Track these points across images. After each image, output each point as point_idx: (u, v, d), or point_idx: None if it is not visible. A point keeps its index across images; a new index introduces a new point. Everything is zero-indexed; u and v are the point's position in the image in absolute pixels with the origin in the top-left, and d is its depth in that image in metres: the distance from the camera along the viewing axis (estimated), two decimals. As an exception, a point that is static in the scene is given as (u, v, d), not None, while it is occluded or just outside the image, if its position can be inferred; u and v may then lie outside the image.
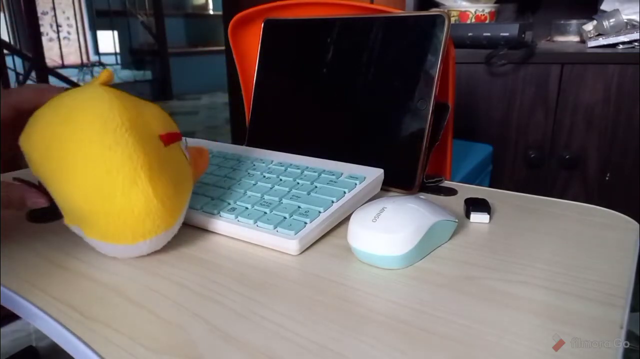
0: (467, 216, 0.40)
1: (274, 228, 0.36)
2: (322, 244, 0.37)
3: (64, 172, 0.31)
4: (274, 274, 0.33)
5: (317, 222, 0.37)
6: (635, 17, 1.14)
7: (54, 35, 4.72)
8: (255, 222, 0.37)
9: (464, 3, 1.25)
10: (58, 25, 4.77)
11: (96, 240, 0.33)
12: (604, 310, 0.28)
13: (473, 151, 1.04)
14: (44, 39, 4.27)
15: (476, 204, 0.41)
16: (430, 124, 0.45)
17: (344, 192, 0.40)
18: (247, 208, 0.39)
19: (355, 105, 0.50)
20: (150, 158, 0.31)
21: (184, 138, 0.37)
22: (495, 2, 1.27)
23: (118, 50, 4.95)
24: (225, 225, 0.38)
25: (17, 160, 0.36)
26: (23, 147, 0.33)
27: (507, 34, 1.08)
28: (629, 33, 1.08)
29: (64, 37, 4.90)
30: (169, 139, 0.34)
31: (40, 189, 0.35)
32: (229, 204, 0.40)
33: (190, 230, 0.40)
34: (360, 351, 0.25)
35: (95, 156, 0.30)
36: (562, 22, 1.29)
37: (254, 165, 0.47)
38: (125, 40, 4.85)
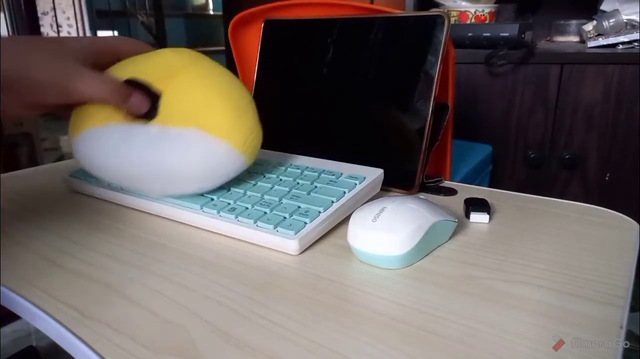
0: (467, 216, 0.40)
1: (274, 228, 0.36)
2: (322, 244, 0.37)
3: (195, 80, 0.39)
4: (274, 274, 0.33)
5: (317, 222, 0.37)
6: (635, 17, 1.14)
7: (54, 35, 4.72)
8: (255, 222, 0.37)
9: (464, 3, 1.25)
10: (58, 26, 4.77)
11: (214, 134, 0.38)
12: (604, 310, 0.28)
13: (473, 151, 1.04)
14: (44, 39, 4.27)
15: (476, 204, 0.41)
16: (430, 124, 0.45)
17: (344, 192, 0.40)
18: (247, 208, 0.39)
19: (355, 105, 0.50)
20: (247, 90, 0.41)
21: None
22: (495, 2, 1.27)
23: (118, 50, 4.94)
24: (225, 225, 0.38)
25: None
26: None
27: (507, 34, 1.08)
28: (628, 33, 1.08)
29: (64, 38, 4.90)
30: None
31: (146, 90, 0.40)
32: (229, 204, 0.40)
33: (190, 230, 0.40)
34: (360, 351, 0.25)
35: (233, 82, 0.40)
36: (562, 22, 1.29)
37: (254, 165, 0.47)
38: (125, 41, 4.84)
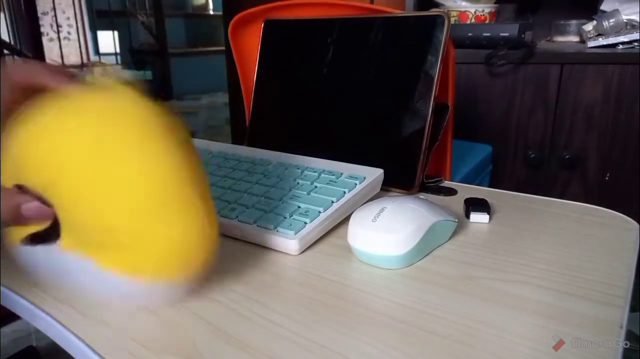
0: (467, 216, 0.40)
1: (274, 228, 0.36)
2: (322, 244, 0.37)
3: (90, 185, 0.24)
4: (274, 274, 0.33)
5: (317, 222, 0.37)
6: (635, 17, 1.14)
7: (54, 36, 4.72)
8: (255, 222, 0.37)
9: (464, 3, 1.25)
10: (58, 26, 4.77)
11: (115, 272, 0.25)
12: (604, 310, 0.28)
13: (473, 151, 1.04)
14: (44, 39, 4.28)
15: (476, 204, 0.41)
16: (430, 124, 0.45)
17: (344, 192, 0.40)
18: (247, 208, 0.39)
19: (355, 105, 0.50)
20: (202, 171, 0.27)
21: None
22: (495, 2, 1.27)
23: (118, 50, 4.95)
24: (225, 225, 0.38)
25: None
26: (7, 144, 0.25)
27: (507, 34, 1.08)
28: (628, 33, 1.08)
29: (64, 37, 4.90)
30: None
31: (41, 200, 0.26)
32: (229, 204, 0.40)
33: (190, 230, 0.40)
34: (360, 351, 0.25)
35: (143, 165, 0.24)
36: (562, 22, 1.29)
37: (254, 165, 0.47)
38: (125, 41, 4.85)
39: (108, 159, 0.24)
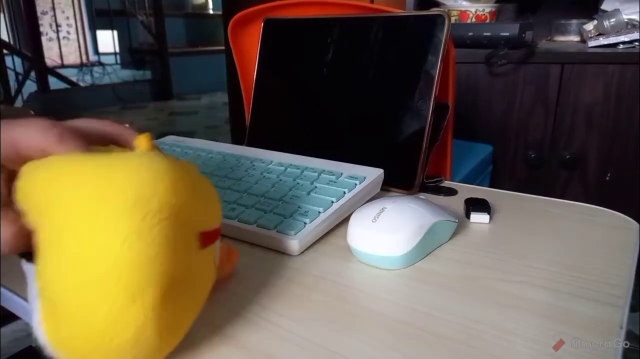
0: (467, 216, 0.40)
1: (274, 228, 0.36)
2: (322, 244, 0.37)
3: (54, 242, 0.21)
4: (274, 274, 0.33)
5: (317, 223, 0.36)
6: (635, 17, 1.14)
7: (54, 35, 4.72)
8: (255, 222, 0.37)
9: (464, 3, 1.25)
10: (58, 25, 4.77)
11: (50, 344, 0.22)
12: (604, 310, 0.28)
13: (473, 151, 1.04)
14: (44, 39, 4.28)
15: (476, 204, 0.41)
16: (430, 124, 0.45)
17: (344, 193, 0.40)
18: (247, 208, 0.39)
19: (355, 105, 0.50)
20: (173, 271, 0.22)
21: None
22: (496, 2, 1.27)
23: (118, 50, 4.95)
24: (225, 225, 0.38)
25: None
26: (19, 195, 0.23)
27: (507, 34, 1.08)
28: (629, 33, 1.08)
29: (64, 37, 4.91)
30: (209, 239, 0.25)
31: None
32: (229, 204, 0.40)
33: (190, 230, 0.40)
34: (360, 351, 0.25)
35: (102, 241, 0.20)
36: (562, 22, 1.29)
37: (254, 165, 0.47)
38: (125, 40, 4.85)
39: (84, 221, 0.21)
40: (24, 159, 0.24)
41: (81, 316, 0.21)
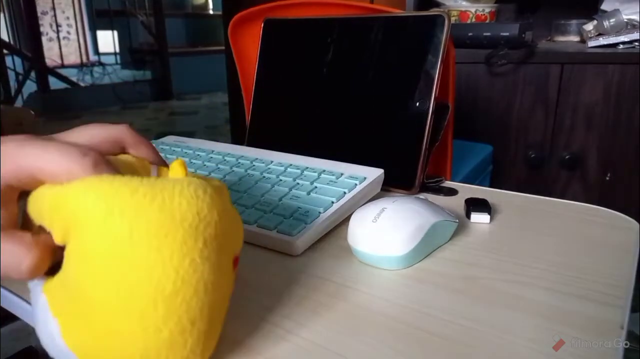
0: (468, 216, 0.40)
1: (274, 228, 0.36)
2: (322, 244, 0.37)
3: (101, 261, 0.21)
4: (274, 274, 0.33)
5: (317, 223, 0.36)
6: (635, 17, 1.14)
7: (54, 35, 4.73)
8: (255, 222, 0.37)
9: (464, 3, 1.25)
10: (58, 25, 4.77)
11: (69, 344, 0.22)
12: (604, 310, 0.28)
13: (473, 151, 1.04)
14: (44, 39, 4.28)
15: (476, 205, 0.41)
16: (430, 124, 0.45)
17: (344, 193, 0.40)
18: (246, 208, 0.39)
19: (355, 105, 0.50)
20: (222, 296, 0.23)
21: None
22: (496, 2, 1.27)
23: (118, 50, 4.95)
24: (225, 225, 0.38)
25: None
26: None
27: (507, 34, 1.08)
28: (629, 33, 1.08)
29: (64, 37, 4.91)
30: (237, 260, 0.26)
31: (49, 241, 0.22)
32: (229, 204, 0.40)
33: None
34: (360, 351, 0.25)
35: (168, 264, 0.20)
36: (562, 22, 1.29)
37: (254, 165, 0.47)
38: (125, 40, 4.86)
39: (129, 245, 0.21)
40: (41, 184, 0.23)
41: (138, 338, 0.21)
